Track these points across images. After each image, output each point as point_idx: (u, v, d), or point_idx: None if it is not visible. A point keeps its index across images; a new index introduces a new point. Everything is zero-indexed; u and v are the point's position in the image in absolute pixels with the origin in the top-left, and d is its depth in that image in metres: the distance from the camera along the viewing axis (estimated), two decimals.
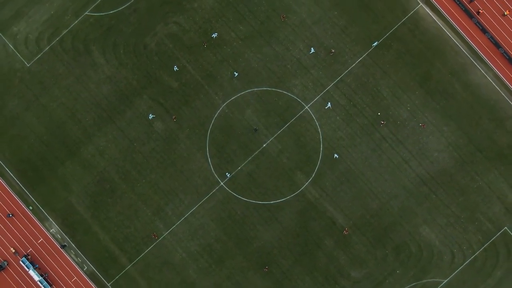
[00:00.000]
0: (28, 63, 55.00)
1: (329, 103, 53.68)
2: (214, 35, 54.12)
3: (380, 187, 53.73)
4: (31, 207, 54.88)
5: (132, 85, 54.53)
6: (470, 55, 53.92)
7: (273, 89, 54.41)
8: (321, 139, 54.06)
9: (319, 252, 53.88)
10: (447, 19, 54.06)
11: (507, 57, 53.73)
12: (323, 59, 54.11)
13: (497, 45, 53.80)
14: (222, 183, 54.24)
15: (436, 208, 53.58)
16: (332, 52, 53.88)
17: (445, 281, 53.26)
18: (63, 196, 54.59)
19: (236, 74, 53.95)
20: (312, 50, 54.05)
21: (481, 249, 53.16)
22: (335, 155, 53.51)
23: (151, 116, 54.07)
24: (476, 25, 53.93)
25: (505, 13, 53.51)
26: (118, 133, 54.64)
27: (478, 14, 53.77)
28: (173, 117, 54.17)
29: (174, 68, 54.30)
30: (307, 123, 54.05)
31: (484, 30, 53.90)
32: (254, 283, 53.81)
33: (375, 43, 53.59)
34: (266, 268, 53.42)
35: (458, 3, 53.88)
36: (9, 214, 54.58)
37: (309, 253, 53.79)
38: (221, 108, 54.45)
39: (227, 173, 53.79)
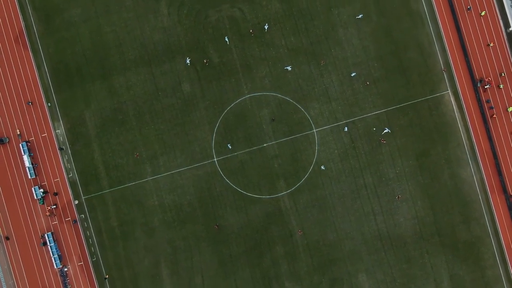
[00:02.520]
0: None
1: (346, 127, 59.10)
2: (266, 26, 59.30)
3: (342, 225, 59.32)
4: (49, 104, 60.27)
5: (180, 44, 59.88)
6: (469, 153, 59.33)
7: (294, 103, 59.77)
8: (313, 162, 59.53)
9: (267, 254, 59.52)
10: (465, 115, 59.40)
11: (498, 170, 59.15)
12: (346, 98, 59.50)
13: (495, 155, 59.18)
14: (215, 159, 59.75)
15: (380, 264, 59.20)
16: (367, 83, 59.18)
17: None
18: (80, 108, 60.03)
19: (290, 68, 59.19)
20: (353, 74, 59.29)
21: None
22: (322, 167, 59.04)
23: (188, 61, 59.27)
24: (486, 131, 59.27)
25: None
26: (149, 77, 60.01)
27: (491, 117, 58.99)
28: (205, 61, 59.25)
29: (225, 39, 59.41)
30: (309, 144, 59.53)
31: (490, 138, 59.26)
32: (202, 253, 59.48)
33: (386, 130, 58.80)
34: (216, 226, 58.98)
35: (480, 105, 59.23)
36: (29, 102, 60.03)
37: (259, 250, 59.44)
38: (243, 98, 59.81)
39: (228, 144, 59.10)
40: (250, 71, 59.85)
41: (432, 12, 59.74)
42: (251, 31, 59.54)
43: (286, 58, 59.65)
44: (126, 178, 59.96)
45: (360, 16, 59.44)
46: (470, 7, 59.12)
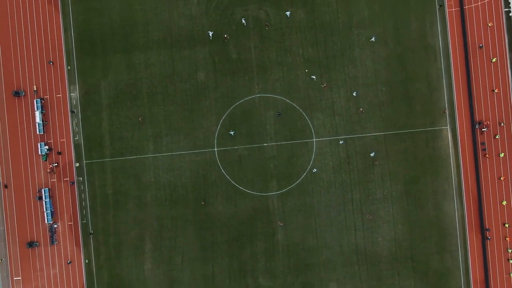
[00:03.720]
0: None
1: (342, 141, 61.70)
2: (288, 13, 61.58)
3: (324, 233, 61.99)
4: (69, 67, 62.70)
5: (203, 34, 62.35)
6: (455, 189, 61.98)
7: (300, 110, 62.33)
8: (308, 169, 62.16)
9: (248, 247, 62.19)
10: (458, 152, 61.99)
11: (480, 209, 61.76)
12: (350, 115, 62.09)
13: (479, 195, 61.76)
14: (215, 149, 62.36)
15: (352, 277, 61.91)
16: (361, 111, 61.78)
17: None
18: (98, 76, 62.51)
19: (314, 77, 61.78)
20: (355, 94, 61.84)
21: None
22: (314, 169, 61.65)
23: (210, 34, 61.70)
24: (476, 172, 61.78)
25: (501, 178, 61.69)
26: (168, 60, 62.51)
27: (484, 156, 61.52)
28: (226, 36, 61.70)
29: (242, 20, 61.80)
30: (306, 151, 62.14)
31: (478, 179, 61.77)
32: (187, 235, 62.11)
33: (373, 154, 61.47)
34: (203, 203, 61.74)
35: (474, 146, 61.79)
36: (50, 61, 62.46)
37: (240, 242, 62.08)
38: (253, 96, 62.35)
39: (230, 132, 61.61)
40: (264, 72, 62.37)
41: (446, 49, 62.26)
42: (266, 24, 61.92)
43: (300, 66, 62.17)
44: (128, 150, 62.53)
45: (373, 39, 61.89)
46: (482, 45, 61.51)
